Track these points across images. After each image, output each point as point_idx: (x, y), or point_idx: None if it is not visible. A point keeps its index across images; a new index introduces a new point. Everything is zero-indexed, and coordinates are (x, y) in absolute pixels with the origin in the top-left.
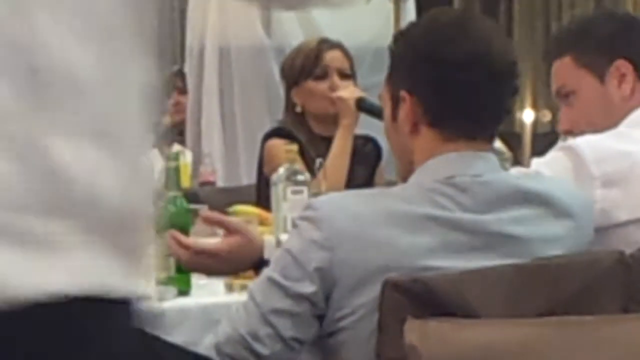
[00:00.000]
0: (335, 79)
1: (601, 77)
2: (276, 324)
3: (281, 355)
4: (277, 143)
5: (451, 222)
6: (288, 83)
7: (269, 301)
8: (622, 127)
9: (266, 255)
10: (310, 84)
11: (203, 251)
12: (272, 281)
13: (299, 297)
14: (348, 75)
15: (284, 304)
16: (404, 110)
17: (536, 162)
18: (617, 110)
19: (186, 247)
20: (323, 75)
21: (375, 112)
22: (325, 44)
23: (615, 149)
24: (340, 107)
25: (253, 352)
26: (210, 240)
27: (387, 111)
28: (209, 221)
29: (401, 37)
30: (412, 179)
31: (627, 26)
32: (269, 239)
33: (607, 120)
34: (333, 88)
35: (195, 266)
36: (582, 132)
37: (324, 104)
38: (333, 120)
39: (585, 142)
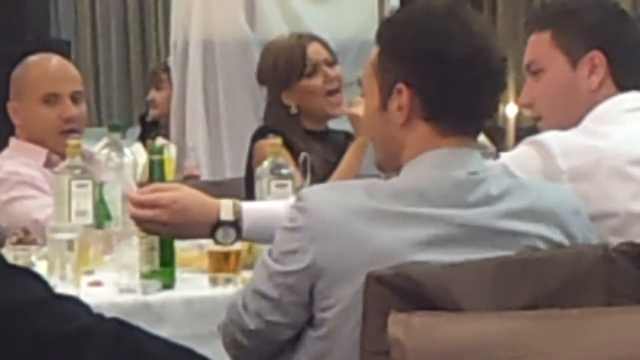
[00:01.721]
0: (328, 71)
1: (574, 63)
2: (258, 304)
3: (266, 334)
4: (267, 144)
5: (437, 217)
6: (274, 86)
7: (255, 280)
8: (588, 122)
9: (223, 216)
10: (304, 83)
11: (146, 202)
12: (263, 261)
13: (279, 284)
14: (332, 63)
15: (264, 286)
16: (399, 102)
17: (504, 156)
18: (580, 101)
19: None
20: (314, 72)
21: None
22: (302, 38)
23: (582, 143)
24: (355, 124)
25: (242, 324)
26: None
27: (373, 100)
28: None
29: (392, 27)
30: (402, 172)
31: (613, 18)
32: (225, 200)
33: (568, 107)
34: (327, 80)
35: (147, 225)
36: (539, 114)
37: (321, 100)
38: (326, 116)
39: (553, 137)
